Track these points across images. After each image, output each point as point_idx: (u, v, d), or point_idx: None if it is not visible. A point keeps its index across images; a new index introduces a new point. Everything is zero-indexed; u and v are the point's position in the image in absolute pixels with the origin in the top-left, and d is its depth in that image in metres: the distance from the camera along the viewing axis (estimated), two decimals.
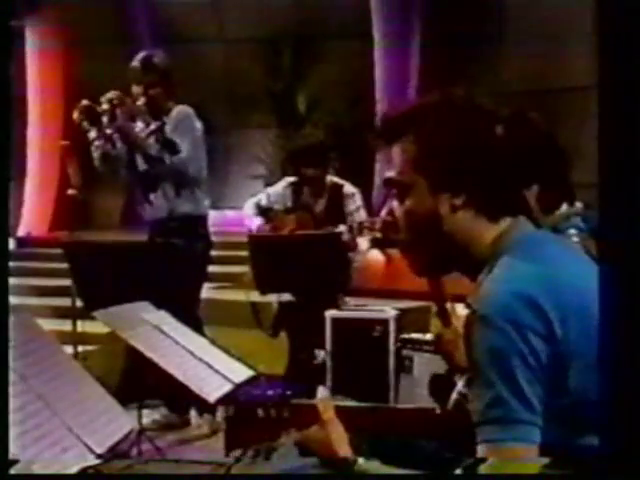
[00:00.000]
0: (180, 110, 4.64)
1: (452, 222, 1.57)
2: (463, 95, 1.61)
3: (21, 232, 9.74)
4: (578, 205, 2.99)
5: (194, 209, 4.65)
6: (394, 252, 6.47)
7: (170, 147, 4.54)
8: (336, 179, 5.05)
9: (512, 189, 1.58)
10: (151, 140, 4.60)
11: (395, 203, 1.63)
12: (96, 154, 4.61)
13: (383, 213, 1.56)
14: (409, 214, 1.60)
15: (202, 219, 4.71)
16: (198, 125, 4.64)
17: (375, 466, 1.60)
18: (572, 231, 2.85)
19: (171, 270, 4.42)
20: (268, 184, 5.29)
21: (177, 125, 4.58)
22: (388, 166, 1.63)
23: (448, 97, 1.60)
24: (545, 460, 1.40)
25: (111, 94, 4.51)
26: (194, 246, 4.60)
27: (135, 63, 4.63)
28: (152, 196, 4.66)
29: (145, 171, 4.62)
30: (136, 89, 4.60)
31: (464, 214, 1.56)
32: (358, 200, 5.05)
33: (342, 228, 4.79)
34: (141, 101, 4.59)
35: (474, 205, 1.56)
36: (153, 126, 4.65)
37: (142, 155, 4.58)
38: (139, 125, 4.68)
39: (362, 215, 5.02)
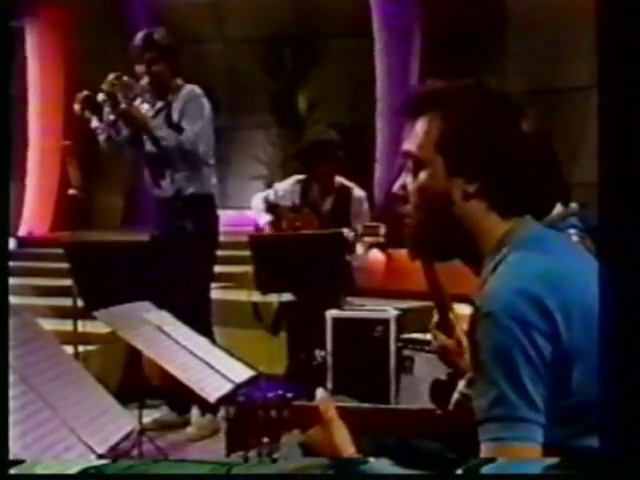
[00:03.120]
0: (190, 90, 4.62)
1: (463, 209, 1.56)
2: (497, 86, 1.61)
3: (22, 232, 9.74)
4: (574, 205, 3.00)
5: (201, 188, 4.64)
6: (395, 252, 6.46)
7: (177, 129, 4.53)
8: (345, 181, 5.06)
9: (526, 187, 1.58)
10: (158, 119, 4.59)
11: (409, 177, 1.63)
12: (101, 138, 4.61)
13: (396, 186, 1.54)
14: (421, 190, 1.60)
15: (209, 198, 4.70)
16: (207, 106, 4.63)
17: (384, 466, 1.59)
18: (571, 231, 2.85)
19: (177, 259, 4.41)
20: (268, 184, 5.30)
21: (186, 105, 4.57)
22: (408, 139, 1.62)
23: (482, 84, 1.61)
24: (548, 461, 1.39)
25: (110, 77, 4.50)
26: (202, 226, 4.59)
27: (136, 42, 4.61)
28: (159, 176, 4.65)
29: (152, 151, 4.60)
30: (139, 68, 4.58)
31: (476, 204, 1.56)
32: (365, 205, 5.07)
33: (347, 231, 4.80)
34: (145, 80, 4.57)
35: (487, 197, 1.55)
36: (159, 105, 4.64)
37: (149, 137, 4.56)
38: (145, 107, 4.66)
39: (366, 219, 5.04)
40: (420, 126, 1.60)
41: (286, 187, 5.07)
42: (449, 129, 1.56)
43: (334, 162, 4.93)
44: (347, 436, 1.64)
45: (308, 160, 4.94)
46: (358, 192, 5.06)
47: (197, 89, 4.64)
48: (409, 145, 1.61)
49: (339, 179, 5.03)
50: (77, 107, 4.51)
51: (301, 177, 5.04)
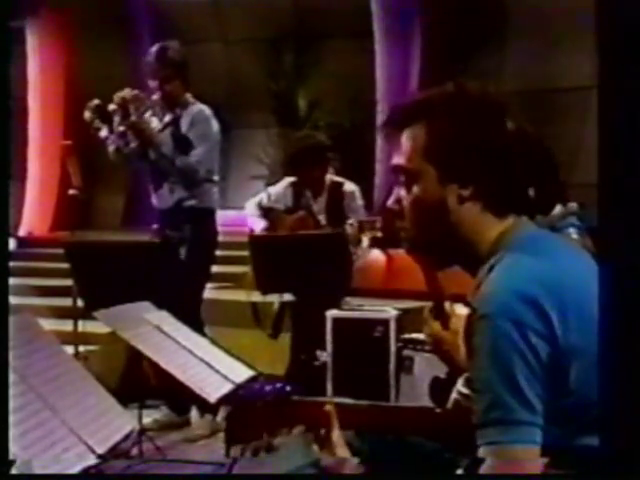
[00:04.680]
0: (199, 111, 4.63)
1: (459, 214, 1.56)
2: (477, 88, 1.61)
3: (22, 232, 9.74)
4: (573, 205, 3.01)
5: (201, 202, 4.64)
6: (395, 252, 6.46)
7: (183, 145, 4.53)
8: (335, 177, 5.06)
9: (519, 186, 1.58)
10: (165, 133, 4.59)
11: (402, 191, 1.62)
12: (110, 148, 4.62)
13: (390, 201, 1.55)
14: (416, 202, 1.59)
15: (210, 212, 4.71)
16: (215, 128, 4.64)
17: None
18: (570, 230, 2.86)
19: (174, 266, 4.42)
20: (269, 184, 5.30)
21: (194, 125, 4.57)
22: (396, 153, 1.62)
23: (462, 88, 1.61)
24: (546, 460, 1.39)
25: (124, 92, 4.51)
26: (200, 240, 4.59)
27: (150, 57, 4.61)
28: (160, 187, 4.65)
29: (155, 162, 4.61)
30: (152, 83, 4.59)
31: (471, 207, 1.56)
32: (358, 198, 5.06)
33: (352, 221, 4.81)
34: (156, 95, 4.58)
35: (481, 199, 1.55)
36: (168, 118, 4.64)
37: (154, 151, 4.57)
38: (154, 121, 4.67)
39: (362, 213, 5.04)
40: (406, 138, 1.60)
41: (279, 190, 5.07)
42: (435, 137, 1.57)
43: (322, 165, 4.93)
44: (341, 436, 1.64)
45: (296, 167, 4.94)
46: (349, 186, 5.05)
47: (207, 110, 4.64)
48: (398, 159, 1.62)
49: (329, 176, 5.02)
50: (87, 115, 4.52)
51: (293, 179, 5.04)
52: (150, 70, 4.59)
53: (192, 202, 4.60)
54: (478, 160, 1.54)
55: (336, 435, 1.64)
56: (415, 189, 1.59)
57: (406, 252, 1.67)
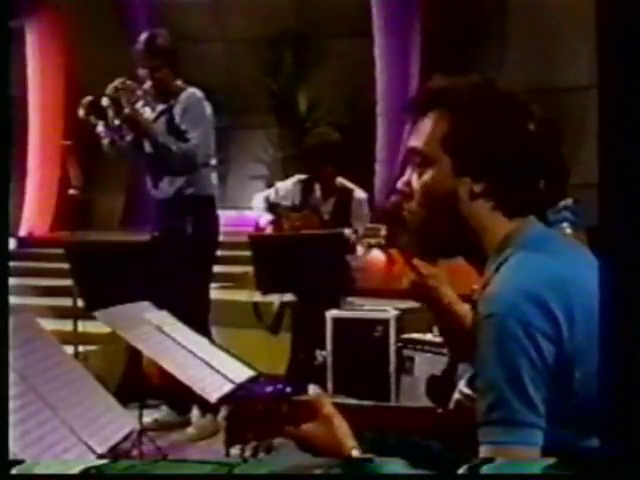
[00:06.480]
0: (191, 94, 4.61)
1: (469, 208, 1.56)
2: (505, 85, 1.60)
3: (22, 232, 9.73)
4: (567, 200, 3.02)
5: (201, 190, 4.63)
6: (395, 252, 6.47)
7: (178, 132, 4.52)
8: (346, 182, 5.06)
9: (531, 187, 1.57)
10: (159, 122, 4.58)
11: (414, 174, 1.61)
12: (104, 142, 4.60)
13: (400, 182, 1.54)
14: (427, 188, 1.59)
15: (209, 199, 4.69)
16: (208, 110, 4.62)
17: (393, 465, 1.59)
18: (564, 224, 2.87)
19: (174, 265, 4.40)
20: (268, 184, 5.30)
21: (187, 109, 4.55)
22: (415, 135, 1.60)
23: (491, 82, 1.59)
24: (550, 460, 1.39)
25: (115, 83, 4.50)
26: (201, 227, 4.58)
27: (139, 46, 4.59)
28: (158, 178, 4.64)
29: (152, 152, 4.60)
30: (142, 72, 4.57)
31: (482, 203, 1.55)
32: (366, 207, 5.08)
33: (348, 231, 4.81)
34: (148, 84, 4.56)
35: (493, 197, 1.55)
36: (161, 107, 4.63)
37: (151, 142, 4.56)
38: (147, 111, 4.65)
39: (366, 221, 5.05)
40: (427, 124, 1.58)
41: (287, 187, 5.07)
42: (456, 129, 1.55)
43: (338, 164, 4.95)
44: (348, 431, 1.63)
45: (313, 161, 4.94)
46: (359, 194, 5.07)
47: (198, 93, 4.63)
48: (415, 142, 1.60)
49: (340, 180, 5.03)
50: (82, 112, 4.51)
51: (302, 177, 5.04)
52: (140, 59, 4.57)
53: (192, 190, 4.58)
54: (495, 157, 1.53)
55: (342, 429, 1.63)
56: (427, 174, 1.58)
57: (406, 244, 1.67)
